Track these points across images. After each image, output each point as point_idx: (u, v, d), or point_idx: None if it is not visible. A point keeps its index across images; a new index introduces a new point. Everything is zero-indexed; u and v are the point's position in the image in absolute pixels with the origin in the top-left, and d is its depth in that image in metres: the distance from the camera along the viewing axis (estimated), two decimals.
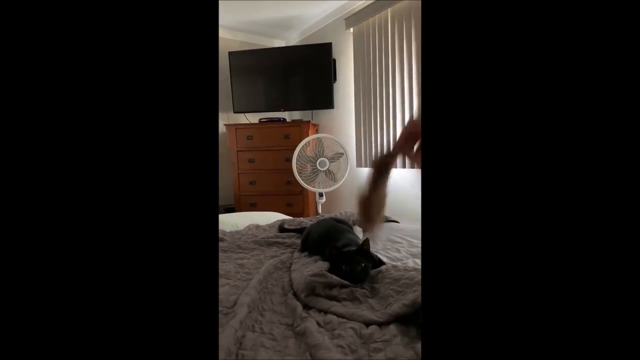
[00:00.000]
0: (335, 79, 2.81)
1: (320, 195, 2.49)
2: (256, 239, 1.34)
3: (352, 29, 2.60)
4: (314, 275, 0.84)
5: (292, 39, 3.28)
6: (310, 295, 0.80)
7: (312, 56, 2.76)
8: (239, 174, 2.83)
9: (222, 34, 3.04)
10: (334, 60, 2.79)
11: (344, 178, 2.42)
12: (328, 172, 2.42)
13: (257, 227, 1.51)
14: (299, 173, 2.40)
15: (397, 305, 0.69)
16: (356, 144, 2.67)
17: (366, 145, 2.57)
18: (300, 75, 2.84)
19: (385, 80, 2.33)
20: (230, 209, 2.81)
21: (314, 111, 3.00)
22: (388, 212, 1.87)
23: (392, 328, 0.64)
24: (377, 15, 2.34)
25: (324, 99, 2.78)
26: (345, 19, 2.62)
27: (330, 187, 2.44)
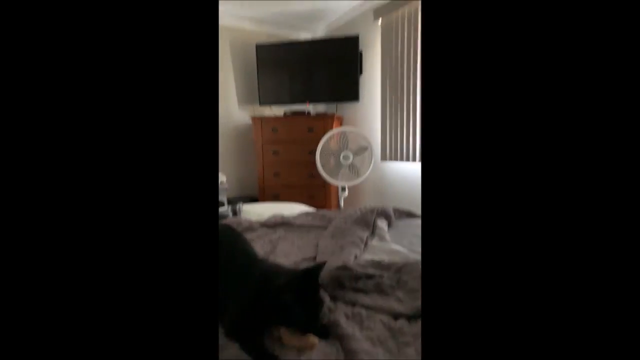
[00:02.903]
0: (361, 71, 2.78)
1: (343, 189, 2.49)
2: (283, 221, 1.46)
3: (380, 20, 2.55)
4: (339, 269, 0.85)
5: (319, 31, 3.27)
6: (337, 289, 0.81)
7: (339, 49, 2.74)
8: (263, 165, 2.87)
9: (249, 26, 3.07)
10: (361, 53, 2.75)
11: (368, 172, 2.40)
12: (351, 166, 2.41)
13: (283, 217, 1.54)
14: (322, 166, 2.40)
15: None
16: (381, 138, 2.64)
17: (391, 140, 2.54)
18: (326, 68, 2.82)
19: (413, 74, 2.28)
20: (253, 200, 2.86)
21: (338, 104, 2.99)
22: (413, 206, 1.84)
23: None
24: (406, 7, 2.29)
25: (349, 92, 2.76)
26: (374, 10, 2.57)
27: (353, 181, 2.43)
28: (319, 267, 0.66)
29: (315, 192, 2.80)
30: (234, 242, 0.83)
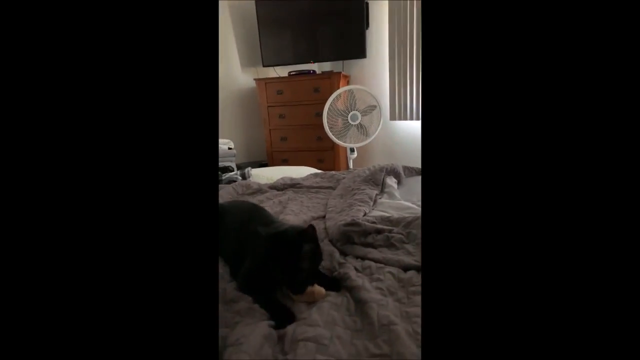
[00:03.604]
0: (367, 25, 2.62)
1: (352, 150, 2.45)
2: (292, 182, 1.45)
3: None
4: (347, 225, 0.85)
5: None
6: (346, 244, 0.82)
7: (343, 1, 2.56)
8: (270, 130, 2.83)
9: None
10: (367, 4, 2.57)
11: (377, 132, 2.34)
12: (360, 127, 2.35)
13: (292, 179, 1.54)
14: (329, 128, 2.35)
15: None
16: (390, 96, 2.55)
17: (400, 97, 2.45)
18: (330, 22, 2.66)
19: None
20: (263, 165, 2.86)
21: (344, 61, 2.86)
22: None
23: None
24: None
25: (356, 48, 2.62)
26: None
27: (362, 142, 2.38)
28: (301, 233, 0.63)
29: (324, 155, 2.77)
30: (253, 208, 0.88)
